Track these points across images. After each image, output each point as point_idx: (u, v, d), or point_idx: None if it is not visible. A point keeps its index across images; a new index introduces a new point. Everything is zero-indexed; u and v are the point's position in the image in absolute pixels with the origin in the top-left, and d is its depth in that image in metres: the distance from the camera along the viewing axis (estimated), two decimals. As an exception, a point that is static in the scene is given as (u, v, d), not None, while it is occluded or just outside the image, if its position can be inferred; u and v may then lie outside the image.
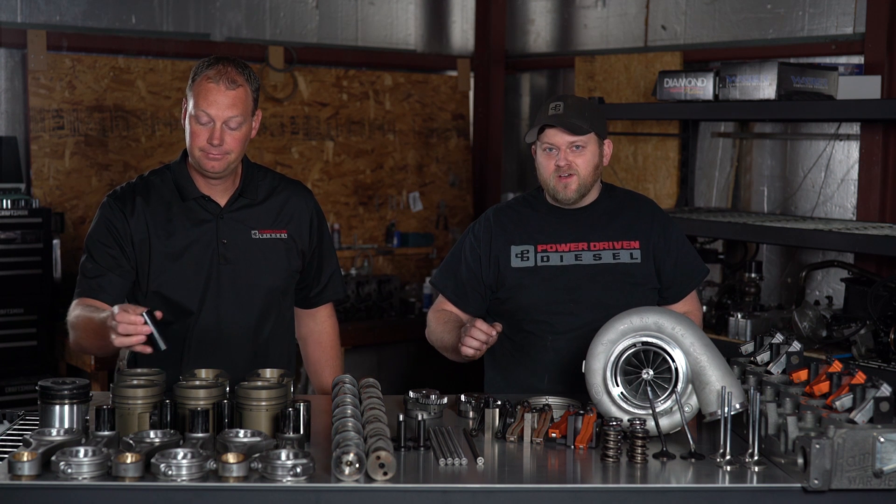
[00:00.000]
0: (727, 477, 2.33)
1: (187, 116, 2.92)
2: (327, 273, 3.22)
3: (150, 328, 2.56)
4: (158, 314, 2.60)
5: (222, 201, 3.03)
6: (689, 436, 2.46)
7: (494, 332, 2.92)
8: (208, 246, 3.00)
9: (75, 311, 2.91)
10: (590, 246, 3.16)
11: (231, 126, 2.89)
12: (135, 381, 2.59)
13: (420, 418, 2.50)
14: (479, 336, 2.91)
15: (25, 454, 2.20)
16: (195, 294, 3.00)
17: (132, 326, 2.54)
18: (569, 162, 3.08)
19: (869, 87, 4.68)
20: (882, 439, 2.21)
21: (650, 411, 2.53)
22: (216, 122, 2.87)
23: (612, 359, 2.58)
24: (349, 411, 2.44)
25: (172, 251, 2.99)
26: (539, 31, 6.83)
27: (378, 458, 2.20)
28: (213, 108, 2.87)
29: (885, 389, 2.27)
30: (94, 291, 2.96)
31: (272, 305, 3.09)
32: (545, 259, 3.15)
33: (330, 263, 3.23)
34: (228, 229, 3.02)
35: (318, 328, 3.28)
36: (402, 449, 2.45)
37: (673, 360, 2.55)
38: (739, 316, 4.55)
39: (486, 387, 3.30)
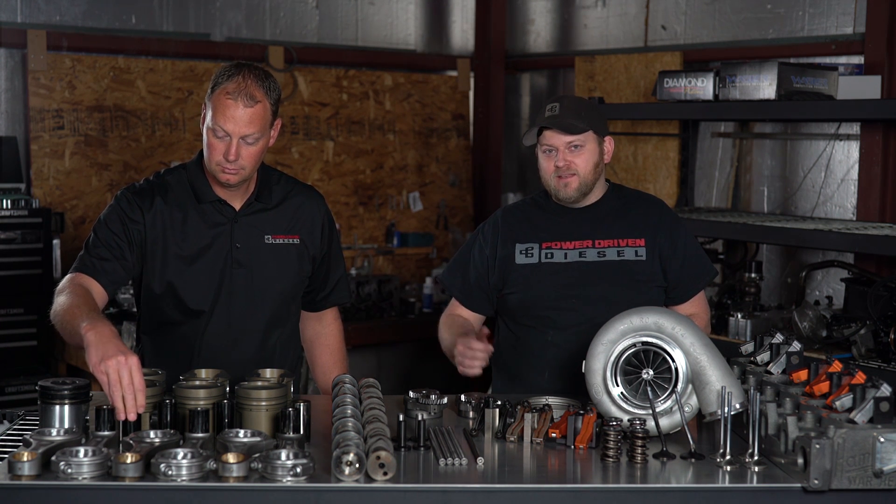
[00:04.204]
0: (727, 477, 2.33)
1: (205, 126, 2.89)
2: (335, 278, 3.22)
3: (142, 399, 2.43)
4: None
5: (237, 205, 3.02)
6: (689, 436, 2.46)
7: (490, 348, 2.97)
8: (222, 249, 3.00)
9: (66, 288, 2.81)
10: (594, 243, 3.17)
11: (248, 141, 2.86)
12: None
13: (420, 418, 2.50)
14: (479, 355, 2.95)
15: (25, 454, 2.20)
16: (207, 297, 3.00)
17: (129, 390, 2.41)
18: (567, 162, 3.10)
19: (869, 87, 4.68)
20: (882, 439, 2.21)
21: (650, 411, 2.53)
22: (233, 137, 2.84)
23: (612, 359, 2.58)
24: (349, 411, 2.44)
25: (186, 253, 2.98)
26: (539, 31, 6.83)
27: (378, 458, 2.20)
28: (229, 123, 2.83)
29: (885, 389, 2.27)
30: (93, 271, 2.90)
31: (282, 310, 3.09)
32: (549, 256, 3.16)
33: (338, 268, 3.23)
34: (242, 233, 3.02)
35: (325, 331, 3.29)
36: (402, 449, 2.45)
37: (673, 360, 2.55)
38: (739, 316, 4.56)
39: (492, 383, 3.32)
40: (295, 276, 3.09)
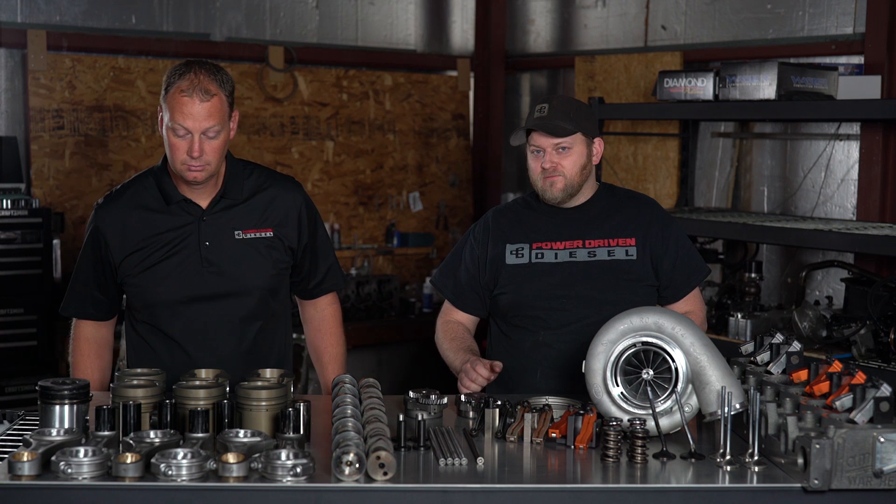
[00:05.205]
0: (727, 477, 2.33)
1: (164, 127, 2.92)
2: (324, 266, 3.20)
3: None
4: None
5: (204, 203, 3.02)
6: (689, 436, 2.46)
7: (493, 375, 2.99)
8: (192, 249, 3.00)
9: (78, 343, 3.15)
10: (585, 243, 3.17)
11: (209, 136, 2.88)
12: (135, 381, 2.59)
13: (420, 418, 2.50)
14: (478, 380, 2.98)
15: (25, 454, 2.20)
16: (180, 297, 3.00)
17: None
18: (554, 164, 3.10)
19: (869, 87, 4.68)
20: (882, 439, 2.21)
21: (650, 411, 2.53)
22: (194, 133, 2.86)
23: (612, 359, 2.58)
24: (349, 411, 2.44)
25: (158, 255, 3.00)
26: (539, 31, 6.83)
27: (378, 458, 2.20)
28: (188, 120, 2.86)
29: (885, 389, 2.27)
30: (86, 312, 3.12)
31: (260, 305, 3.08)
32: (539, 256, 3.17)
33: (326, 256, 3.21)
34: (211, 231, 3.01)
35: (319, 315, 3.27)
36: (402, 449, 2.45)
37: (673, 360, 2.55)
38: (739, 316, 4.55)
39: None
40: (270, 270, 3.07)
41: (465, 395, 2.83)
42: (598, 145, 3.19)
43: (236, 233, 3.03)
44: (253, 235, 3.05)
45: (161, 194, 3.03)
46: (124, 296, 3.13)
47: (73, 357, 3.15)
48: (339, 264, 3.28)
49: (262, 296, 3.08)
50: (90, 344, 3.13)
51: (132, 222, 3.01)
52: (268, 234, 3.06)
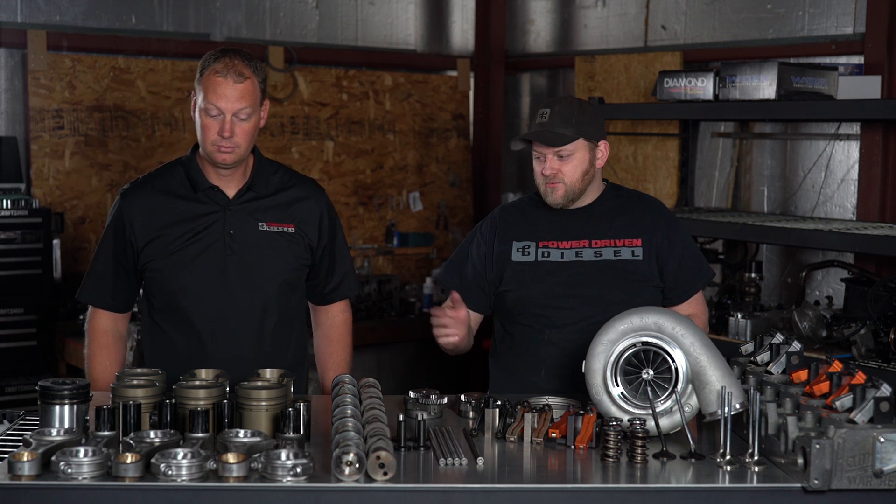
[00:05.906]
0: (727, 477, 2.33)
1: (197, 109, 2.98)
2: (340, 272, 3.25)
3: None
4: None
5: (231, 193, 3.08)
6: (689, 436, 2.46)
7: (460, 308, 2.96)
8: (216, 237, 3.05)
9: (95, 335, 3.12)
10: (591, 243, 3.17)
11: (241, 117, 2.95)
12: (135, 381, 2.59)
13: (420, 418, 2.50)
14: (449, 323, 2.95)
15: (25, 454, 2.20)
16: (202, 284, 3.04)
17: None
18: (555, 170, 3.11)
19: (869, 87, 4.68)
20: (882, 439, 2.21)
21: (650, 411, 2.53)
22: (226, 114, 2.93)
23: (612, 359, 2.58)
24: (349, 411, 2.44)
25: (181, 243, 3.04)
26: (539, 31, 6.83)
27: (378, 458, 2.20)
28: (222, 101, 2.93)
29: (885, 389, 2.27)
30: (103, 301, 3.12)
31: (279, 298, 3.12)
32: (546, 255, 3.17)
33: (343, 262, 3.26)
34: (236, 221, 3.06)
35: (329, 322, 3.31)
36: (402, 449, 2.45)
37: (673, 360, 2.55)
38: (739, 316, 4.55)
39: (490, 382, 3.31)
40: (291, 263, 3.12)
41: (466, 395, 2.83)
42: (604, 148, 3.17)
43: (260, 224, 3.09)
44: (276, 229, 3.11)
45: (189, 182, 3.08)
46: (140, 291, 3.16)
47: (89, 349, 3.14)
48: (354, 271, 3.33)
49: (282, 289, 3.12)
50: (107, 336, 3.13)
51: (158, 207, 3.06)
52: (290, 230, 3.12)
